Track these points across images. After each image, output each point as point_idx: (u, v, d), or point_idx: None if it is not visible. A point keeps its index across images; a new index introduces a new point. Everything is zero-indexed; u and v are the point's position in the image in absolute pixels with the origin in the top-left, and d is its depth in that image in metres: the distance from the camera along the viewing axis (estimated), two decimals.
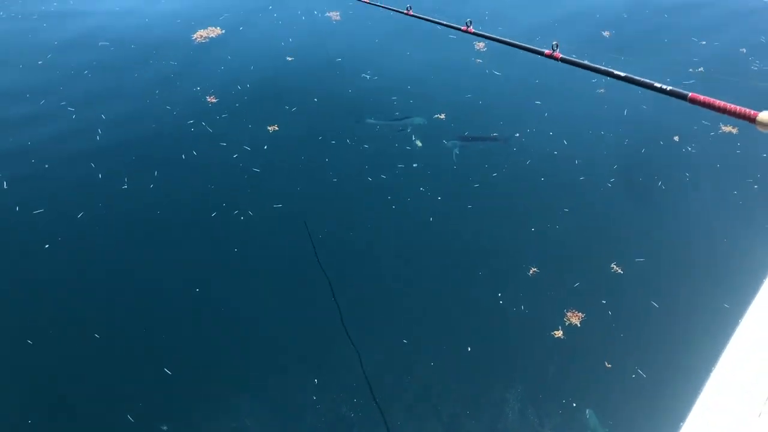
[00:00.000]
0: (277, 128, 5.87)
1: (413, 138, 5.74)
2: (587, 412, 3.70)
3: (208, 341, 4.15)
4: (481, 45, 7.07)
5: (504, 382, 3.81)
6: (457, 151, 5.61)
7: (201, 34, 7.40)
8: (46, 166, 5.41)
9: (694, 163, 5.45)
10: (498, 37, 2.48)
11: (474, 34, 2.64)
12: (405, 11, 3.55)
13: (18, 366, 4.02)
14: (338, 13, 7.79)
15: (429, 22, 3.33)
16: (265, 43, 7.32)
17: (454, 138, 5.75)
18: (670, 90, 1.64)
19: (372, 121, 6.00)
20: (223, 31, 7.49)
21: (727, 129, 5.72)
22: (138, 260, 4.72)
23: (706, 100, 1.51)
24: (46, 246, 4.73)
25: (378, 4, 4.44)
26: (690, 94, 1.55)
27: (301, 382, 3.83)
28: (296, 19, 7.80)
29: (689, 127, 5.77)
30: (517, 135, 5.79)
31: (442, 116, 6.00)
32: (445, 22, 3.08)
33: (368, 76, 6.57)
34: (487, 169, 5.42)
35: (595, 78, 5.92)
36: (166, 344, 4.12)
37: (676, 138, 5.68)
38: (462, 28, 2.67)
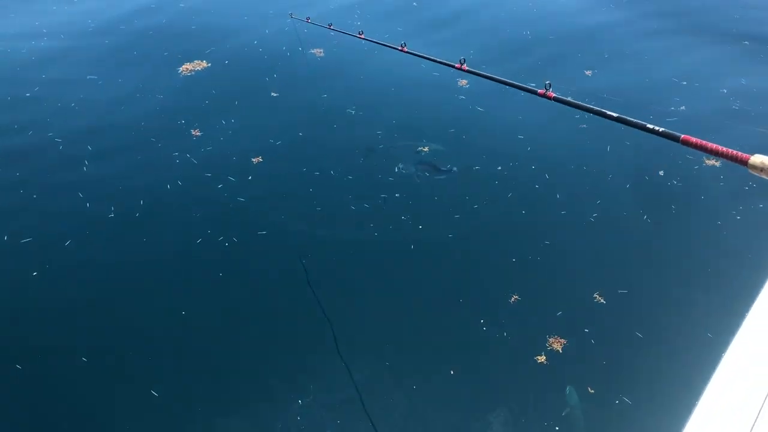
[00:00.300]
0: (261, 160, 6.07)
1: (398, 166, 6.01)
2: (567, 389, 3.91)
3: (193, 364, 4.25)
4: (464, 82, 7.37)
5: (487, 406, 3.93)
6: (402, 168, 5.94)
7: (187, 67, 7.65)
8: (34, 196, 5.54)
9: (678, 196, 5.63)
10: (491, 75, 2.56)
11: (468, 71, 2.73)
12: (399, 48, 3.65)
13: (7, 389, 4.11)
14: (322, 51, 8.10)
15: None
16: (249, 78, 7.57)
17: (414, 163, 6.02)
18: (663, 131, 1.66)
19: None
20: (209, 65, 7.74)
21: (711, 162, 5.91)
22: (125, 286, 4.83)
23: (698, 143, 1.53)
24: (34, 273, 4.85)
25: (374, 40, 4.56)
26: (682, 136, 1.58)
27: (285, 402, 3.94)
28: (281, 54, 8.07)
29: (674, 162, 5.95)
30: (499, 168, 5.98)
31: (426, 149, 6.26)
32: (439, 60, 3.16)
33: (353, 111, 6.82)
34: (468, 200, 5.60)
35: (578, 114, 6.13)
36: (153, 367, 4.22)
37: (661, 172, 5.87)
38: (456, 65, 2.78)
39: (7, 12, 9.38)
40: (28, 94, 7.10)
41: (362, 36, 4.31)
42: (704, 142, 1.53)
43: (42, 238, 5.16)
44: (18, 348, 4.31)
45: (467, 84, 7.29)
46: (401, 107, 7.00)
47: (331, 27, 5.64)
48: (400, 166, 5.99)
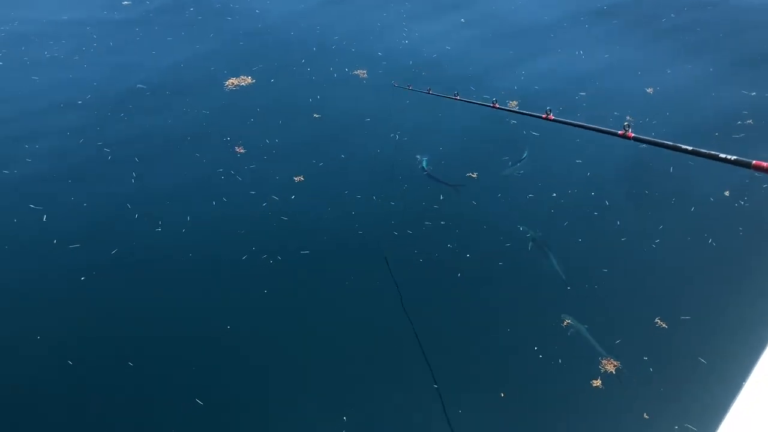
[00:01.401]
0: (302, 179, 6.15)
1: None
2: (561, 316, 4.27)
3: (238, 376, 4.34)
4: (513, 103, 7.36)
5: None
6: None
7: (232, 82, 7.79)
8: (85, 204, 5.67)
9: (745, 218, 5.56)
10: (576, 122, 2.62)
11: (555, 120, 2.77)
12: (491, 105, 3.72)
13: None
14: (365, 72, 8.19)
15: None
16: (294, 97, 7.67)
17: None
18: (735, 159, 1.66)
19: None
20: (254, 81, 7.88)
21: None
22: (170, 297, 4.94)
23: None
24: (82, 278, 4.98)
25: (468, 100, 4.71)
26: (753, 162, 1.57)
27: (331, 419, 4.02)
28: (327, 75, 8.16)
29: (741, 182, 5.89)
30: (554, 195, 5.95)
31: (474, 175, 6.26)
32: (528, 112, 3.21)
33: (397, 136, 6.88)
34: (521, 230, 5.59)
35: None
36: (197, 376, 4.31)
37: (726, 193, 5.83)
38: (543, 116, 2.82)
39: None
40: (79, 102, 7.31)
41: (458, 98, 4.47)
42: None
43: (88, 245, 5.29)
44: (69, 346, 4.46)
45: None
46: (448, 135, 7.05)
47: (431, 92, 5.56)
48: (445, 193, 6.03)
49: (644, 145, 5.88)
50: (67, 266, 5.11)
